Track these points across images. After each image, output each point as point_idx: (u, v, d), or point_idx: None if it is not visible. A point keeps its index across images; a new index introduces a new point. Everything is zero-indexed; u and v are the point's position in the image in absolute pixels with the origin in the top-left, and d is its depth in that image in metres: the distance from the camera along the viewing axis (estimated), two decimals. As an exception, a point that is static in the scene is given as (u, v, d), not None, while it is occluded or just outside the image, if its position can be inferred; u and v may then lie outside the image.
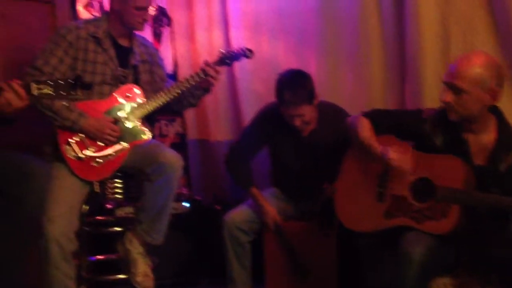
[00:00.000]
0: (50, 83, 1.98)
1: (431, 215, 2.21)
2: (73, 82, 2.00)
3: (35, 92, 1.96)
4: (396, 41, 3.20)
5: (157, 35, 4.03)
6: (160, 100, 2.65)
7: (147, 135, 2.63)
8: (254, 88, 3.67)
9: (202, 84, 2.73)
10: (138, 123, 2.63)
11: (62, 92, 1.98)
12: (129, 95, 2.63)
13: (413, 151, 2.28)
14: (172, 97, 2.67)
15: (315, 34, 3.40)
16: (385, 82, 3.25)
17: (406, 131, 2.32)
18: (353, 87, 3.31)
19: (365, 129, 2.36)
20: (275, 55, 3.58)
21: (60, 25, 2.80)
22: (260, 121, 2.90)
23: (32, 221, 2.15)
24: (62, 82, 1.98)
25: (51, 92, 1.97)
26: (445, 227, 2.18)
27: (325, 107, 2.82)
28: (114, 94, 2.60)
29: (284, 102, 2.70)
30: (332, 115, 2.81)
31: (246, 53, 2.79)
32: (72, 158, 2.49)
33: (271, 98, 3.23)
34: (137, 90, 2.66)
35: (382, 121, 2.38)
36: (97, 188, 2.57)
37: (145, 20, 2.66)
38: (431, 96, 2.97)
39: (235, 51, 2.79)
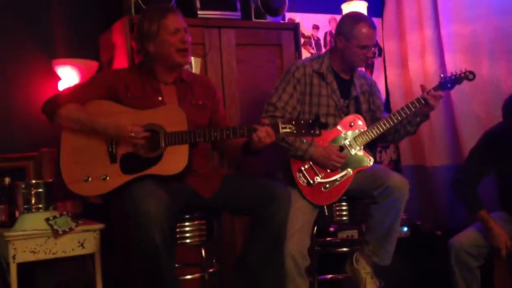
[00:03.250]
0: (293, 122, 2.25)
1: None
2: (312, 122, 2.25)
3: (281, 131, 2.25)
4: None
5: (369, 66, 4.20)
6: (381, 127, 2.77)
7: (370, 161, 2.77)
8: (473, 111, 3.58)
9: (421, 111, 2.77)
10: (361, 150, 2.78)
11: (302, 131, 2.25)
12: (352, 124, 2.80)
13: None
14: (392, 124, 2.77)
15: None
16: None
17: None
18: None
19: None
20: (496, 76, 3.46)
21: (287, 64, 3.10)
22: (487, 144, 2.84)
23: (277, 239, 2.39)
24: (303, 122, 2.25)
25: (293, 131, 2.25)
26: None
27: None
28: (338, 124, 2.80)
29: None
30: None
31: (468, 76, 2.77)
32: (304, 184, 2.72)
33: (491, 120, 3.16)
34: (359, 120, 2.82)
35: None
36: (326, 212, 2.76)
37: (367, 58, 2.83)
38: None
39: (457, 74, 2.78)
